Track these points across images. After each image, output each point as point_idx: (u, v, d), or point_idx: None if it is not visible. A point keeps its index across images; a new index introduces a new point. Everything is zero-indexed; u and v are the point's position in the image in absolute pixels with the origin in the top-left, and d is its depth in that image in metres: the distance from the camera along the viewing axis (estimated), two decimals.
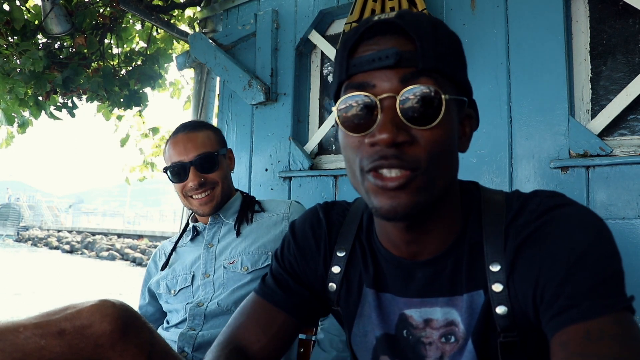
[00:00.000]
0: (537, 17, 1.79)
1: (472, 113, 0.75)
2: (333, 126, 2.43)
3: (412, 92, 0.63)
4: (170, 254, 1.56)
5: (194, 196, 1.46)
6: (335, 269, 0.83)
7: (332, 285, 0.84)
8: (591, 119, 1.74)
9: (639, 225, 1.53)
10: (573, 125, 1.69)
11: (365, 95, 0.64)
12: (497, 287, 0.68)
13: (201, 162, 1.44)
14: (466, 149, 0.74)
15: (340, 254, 0.83)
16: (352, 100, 0.66)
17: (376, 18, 0.67)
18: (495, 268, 0.69)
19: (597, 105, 1.75)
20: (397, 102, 0.63)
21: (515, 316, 0.68)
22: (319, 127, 2.48)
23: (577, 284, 0.60)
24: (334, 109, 0.69)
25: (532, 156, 1.77)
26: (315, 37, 2.48)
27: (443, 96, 0.64)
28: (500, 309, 0.68)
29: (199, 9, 3.30)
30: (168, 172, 1.47)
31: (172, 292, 1.47)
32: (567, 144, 1.70)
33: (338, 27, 2.45)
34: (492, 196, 0.74)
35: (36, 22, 3.50)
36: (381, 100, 0.64)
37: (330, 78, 2.53)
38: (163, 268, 1.54)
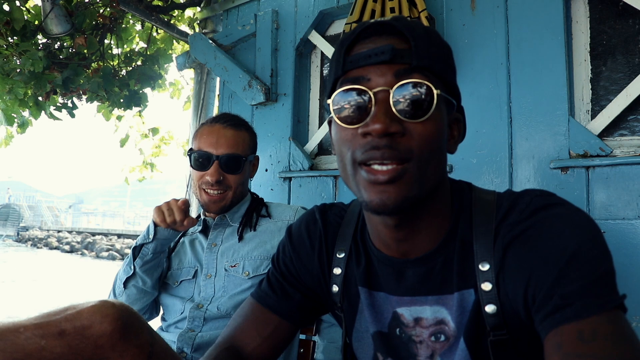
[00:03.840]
0: (537, 18, 1.80)
1: (460, 118, 0.77)
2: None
3: (405, 87, 0.65)
4: (178, 241, 1.56)
5: (207, 190, 1.45)
6: (337, 271, 0.85)
7: (335, 288, 0.85)
8: (591, 120, 1.74)
9: (639, 225, 1.54)
10: (573, 125, 1.69)
11: (360, 89, 0.67)
12: (487, 286, 0.69)
13: (227, 160, 1.43)
14: (454, 151, 0.77)
15: (340, 255, 0.85)
16: (347, 94, 0.68)
17: (372, 21, 0.70)
18: (485, 267, 0.69)
19: (597, 105, 1.75)
20: (391, 95, 0.66)
21: (505, 315, 0.68)
22: (319, 127, 2.48)
23: (569, 283, 0.60)
24: (329, 101, 0.71)
25: (532, 156, 1.77)
26: (315, 38, 2.48)
27: (435, 91, 0.66)
28: (489, 308, 0.69)
29: (199, 9, 3.30)
30: (192, 156, 1.46)
31: (175, 282, 1.47)
32: (567, 145, 1.70)
33: (338, 27, 2.45)
34: (483, 196, 0.76)
35: (36, 22, 3.50)
36: (375, 94, 0.66)
37: None
38: (169, 254, 1.54)
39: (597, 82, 1.76)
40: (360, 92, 0.67)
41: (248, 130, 1.53)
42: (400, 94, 0.65)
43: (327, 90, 0.76)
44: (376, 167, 0.66)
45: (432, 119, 0.67)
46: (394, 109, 0.65)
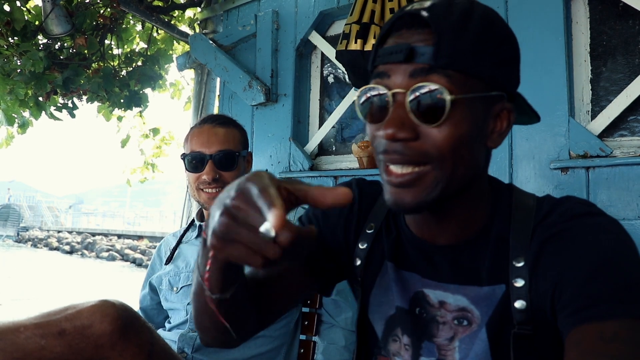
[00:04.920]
0: (537, 18, 1.80)
1: (511, 107, 0.71)
2: (333, 127, 2.43)
3: (418, 90, 0.63)
4: (174, 250, 1.56)
5: (204, 189, 1.46)
6: (362, 245, 0.84)
7: (358, 261, 0.85)
8: (591, 120, 1.74)
9: (639, 226, 1.54)
10: (573, 126, 1.69)
11: (380, 88, 0.66)
12: (519, 282, 0.69)
13: (221, 158, 1.43)
14: (497, 144, 0.72)
15: (369, 231, 0.84)
16: (369, 90, 0.68)
17: (409, 8, 0.67)
18: (519, 263, 0.69)
19: (597, 106, 1.75)
20: (406, 98, 0.64)
21: (532, 311, 0.68)
22: (319, 127, 2.48)
23: (598, 286, 0.61)
24: (356, 94, 0.71)
25: (532, 157, 1.77)
26: (316, 38, 2.48)
27: (448, 97, 0.63)
28: (518, 304, 0.68)
29: (199, 9, 3.30)
30: (185, 160, 1.47)
31: (175, 289, 1.47)
32: (567, 145, 1.70)
33: (338, 28, 2.45)
34: (523, 198, 0.75)
35: (36, 22, 3.51)
36: (394, 95, 0.65)
37: (330, 79, 2.53)
38: (167, 263, 1.54)
39: (597, 82, 1.76)
40: (380, 92, 0.66)
41: (237, 127, 1.54)
42: (415, 97, 0.63)
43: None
44: (392, 167, 0.66)
45: (448, 123, 0.64)
46: (409, 113, 0.64)
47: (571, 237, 0.66)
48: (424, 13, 0.64)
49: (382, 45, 0.69)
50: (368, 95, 0.68)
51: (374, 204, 0.86)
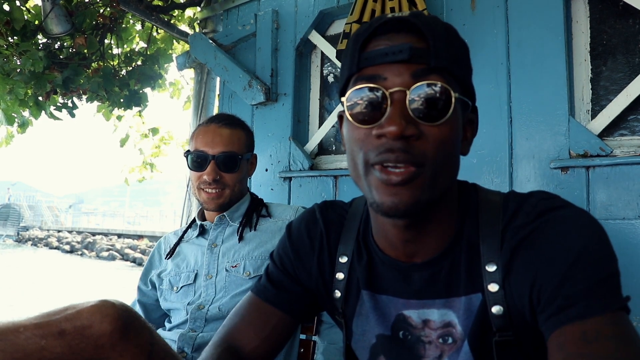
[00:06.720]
0: (537, 17, 1.79)
1: (474, 118, 0.76)
2: (333, 126, 2.43)
3: (423, 88, 0.64)
4: (176, 246, 1.56)
5: (205, 189, 1.46)
6: (340, 276, 0.83)
7: (338, 293, 0.84)
8: (591, 119, 1.74)
9: (639, 225, 1.54)
10: (573, 125, 1.69)
11: (376, 88, 0.65)
12: (493, 287, 0.69)
13: (223, 159, 1.44)
14: (467, 152, 0.75)
15: (343, 260, 0.83)
16: (362, 92, 0.66)
17: (390, 15, 0.67)
18: (492, 268, 0.69)
19: (597, 105, 1.75)
20: (408, 96, 0.64)
21: (511, 316, 0.68)
22: (319, 127, 2.48)
23: (574, 284, 0.61)
24: (343, 99, 0.69)
25: (532, 156, 1.77)
26: (316, 38, 2.48)
27: (453, 94, 0.64)
28: (495, 309, 0.68)
29: (199, 9, 3.30)
30: (189, 157, 1.47)
31: (175, 288, 1.47)
32: (567, 144, 1.70)
33: (338, 27, 2.45)
34: (489, 197, 0.75)
35: (36, 22, 3.50)
36: (391, 94, 0.64)
37: (330, 78, 2.53)
38: (167, 257, 1.54)
39: (597, 82, 1.76)
40: (375, 92, 0.65)
41: (244, 129, 1.54)
42: (418, 96, 0.63)
43: (339, 85, 0.74)
44: (390, 168, 0.65)
45: (448, 122, 0.65)
46: (410, 111, 0.64)
47: (541, 237, 0.66)
48: (413, 19, 0.65)
49: (365, 49, 0.68)
50: (360, 95, 0.66)
51: (342, 229, 0.85)
